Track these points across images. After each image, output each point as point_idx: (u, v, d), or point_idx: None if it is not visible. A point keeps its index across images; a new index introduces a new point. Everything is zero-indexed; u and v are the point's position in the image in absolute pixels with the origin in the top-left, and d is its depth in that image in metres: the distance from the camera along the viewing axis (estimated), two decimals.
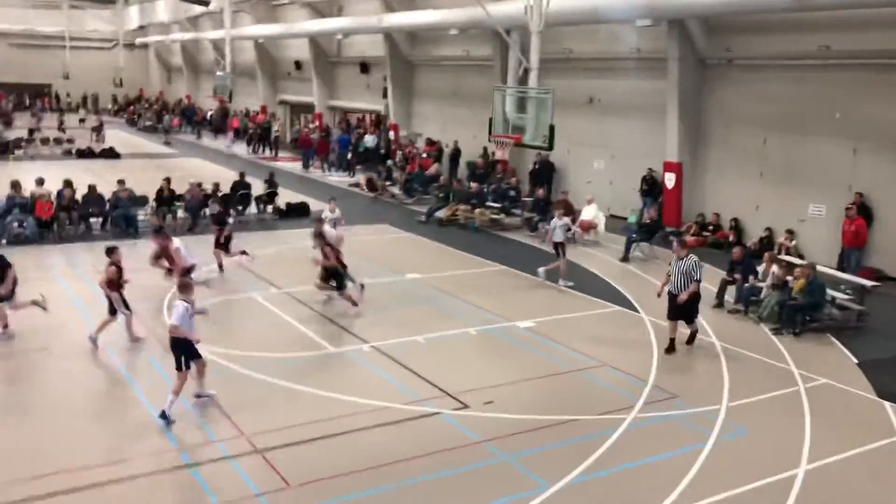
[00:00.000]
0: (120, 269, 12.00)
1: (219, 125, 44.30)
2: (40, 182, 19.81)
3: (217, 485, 7.99)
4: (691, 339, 12.61)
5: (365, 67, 35.87)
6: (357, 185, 28.68)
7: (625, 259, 18.52)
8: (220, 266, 16.45)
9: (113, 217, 19.67)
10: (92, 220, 19.68)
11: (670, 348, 12.30)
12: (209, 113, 47.89)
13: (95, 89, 58.78)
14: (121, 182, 20.69)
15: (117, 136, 40.24)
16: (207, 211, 19.26)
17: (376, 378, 11.04)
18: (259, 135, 38.31)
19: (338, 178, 30.81)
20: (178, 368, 9.59)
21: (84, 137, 37.88)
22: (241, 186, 22.61)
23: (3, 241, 17.87)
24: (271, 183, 23.49)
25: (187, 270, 14.17)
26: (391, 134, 33.06)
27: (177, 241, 14.90)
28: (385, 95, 33.92)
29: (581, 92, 23.90)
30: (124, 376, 10.93)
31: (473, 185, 23.55)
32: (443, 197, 23.53)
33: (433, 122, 31.92)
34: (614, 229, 20.76)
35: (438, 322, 13.65)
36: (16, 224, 18.24)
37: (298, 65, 41.28)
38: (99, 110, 54.77)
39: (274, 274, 16.28)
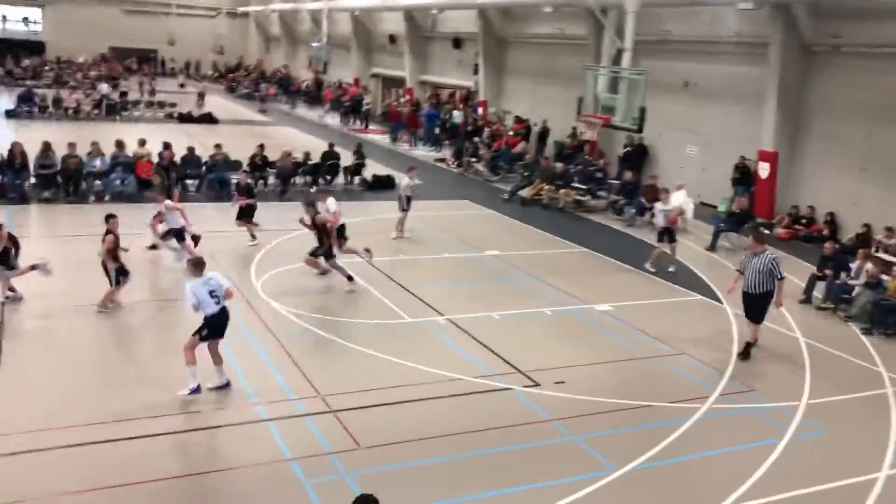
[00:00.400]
0: (117, 237, 11.82)
1: (314, 96, 45.11)
2: (142, 143, 20.72)
3: (291, 440, 8.31)
4: (746, 352, 11.42)
5: (457, 43, 35.87)
6: (443, 159, 28.86)
7: (711, 248, 18.08)
8: (253, 236, 16.15)
9: (209, 179, 20.40)
10: (188, 181, 20.46)
11: (744, 353, 11.45)
12: (304, 83, 48.84)
13: (198, 56, 60.73)
14: (217, 146, 21.44)
15: (216, 102, 41.50)
16: (235, 179, 18.52)
17: (450, 350, 11.19)
18: (351, 107, 38.89)
19: (424, 153, 31.02)
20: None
21: (185, 102, 39.23)
22: (330, 157, 23.07)
23: (107, 197, 18.80)
24: (359, 154, 23.86)
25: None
26: (479, 110, 33.03)
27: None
28: (476, 72, 33.88)
29: (676, 75, 23.30)
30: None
31: (560, 165, 23.36)
32: (528, 176, 23.43)
33: (523, 100, 31.72)
34: (704, 217, 20.27)
35: (514, 300, 13.70)
36: (118, 181, 19.16)
37: (392, 38, 41.58)
38: (201, 77, 56.54)
39: (357, 243, 16.58)
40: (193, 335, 9.26)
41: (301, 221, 14.30)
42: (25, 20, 58.52)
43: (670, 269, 15.88)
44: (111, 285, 11.84)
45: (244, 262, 14.63)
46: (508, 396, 9.78)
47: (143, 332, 11.41)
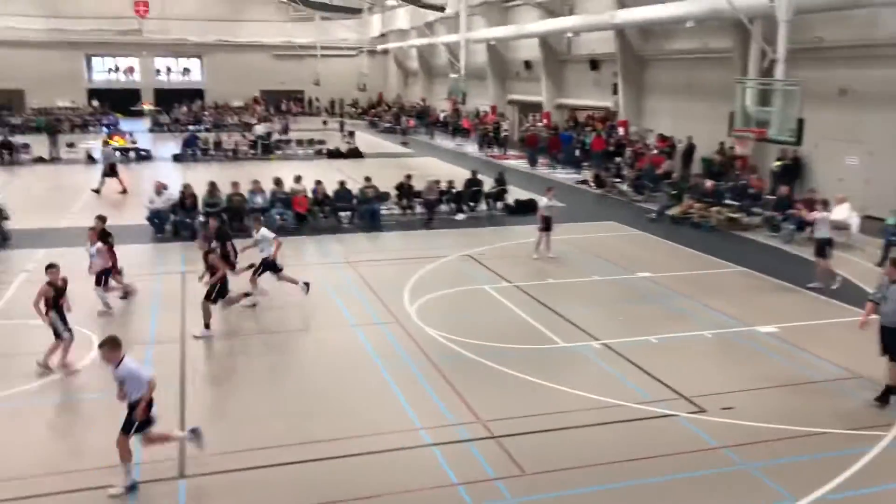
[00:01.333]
0: (58, 289, 10.96)
1: (455, 126, 46.06)
2: (297, 179, 21.83)
3: (456, 466, 8.43)
4: (886, 398, 9.90)
5: (595, 64, 35.62)
6: (584, 181, 28.63)
7: (881, 263, 16.87)
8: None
9: (360, 211, 21.21)
10: (341, 213, 21.34)
11: (884, 398, 9.92)
12: (442, 114, 49.96)
13: (341, 94, 63.48)
14: (367, 179, 22.27)
15: (360, 137, 43.13)
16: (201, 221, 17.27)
17: (608, 375, 11.02)
18: (489, 134, 39.39)
19: (565, 175, 30.89)
20: None
21: (332, 139, 41.03)
22: (473, 184, 23.43)
23: None
24: (501, 181, 24.09)
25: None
26: (620, 130, 32.57)
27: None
28: (615, 92, 33.48)
29: (831, 82, 22.06)
30: (370, 353, 11.76)
31: (709, 182, 22.60)
32: (676, 194, 22.81)
33: (664, 117, 31.00)
34: (871, 231, 18.98)
35: (671, 323, 13.32)
36: (278, 216, 20.27)
37: (528, 64, 41.85)
38: (343, 113, 58.98)
39: (503, 267, 16.72)
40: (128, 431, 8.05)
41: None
42: (185, 70, 63.27)
43: (834, 286, 14.97)
44: (55, 338, 10.94)
45: (397, 288, 15.04)
46: (673, 423, 9.50)
47: (286, 361, 11.93)
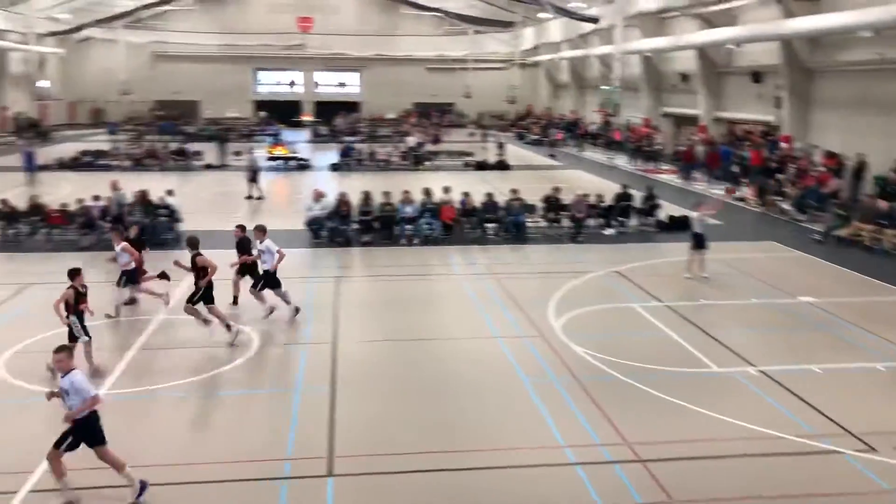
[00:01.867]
0: (79, 293, 11.04)
1: (605, 138, 45.32)
2: (446, 190, 22.17)
3: (600, 486, 8.21)
4: None
5: (757, 77, 33.94)
6: (742, 198, 27.31)
7: None
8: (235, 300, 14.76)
9: (506, 223, 21.24)
10: (487, 225, 21.46)
11: None
12: (592, 126, 49.28)
13: (490, 106, 64.06)
14: (514, 191, 22.28)
15: (508, 149, 43.25)
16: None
17: (766, 404, 10.39)
18: (641, 147, 38.46)
19: (722, 191, 29.58)
20: None
21: (481, 151, 41.41)
22: (623, 198, 22.90)
23: (416, 241, 20.35)
24: (651, 195, 23.40)
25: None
26: (783, 146, 30.83)
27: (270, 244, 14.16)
28: (778, 105, 31.75)
29: None
30: (513, 366, 11.70)
31: (883, 202, 20.95)
32: (843, 215, 21.30)
33: (833, 133, 29.03)
34: None
35: (837, 352, 12.41)
36: (426, 226, 20.65)
37: (685, 77, 40.52)
38: (486, 125, 59.38)
39: (654, 286, 16.20)
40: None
41: (176, 263, 13.44)
42: (342, 84, 65.95)
43: None
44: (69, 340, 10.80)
45: (542, 301, 14.91)
46: (837, 461, 8.82)
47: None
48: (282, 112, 59.55)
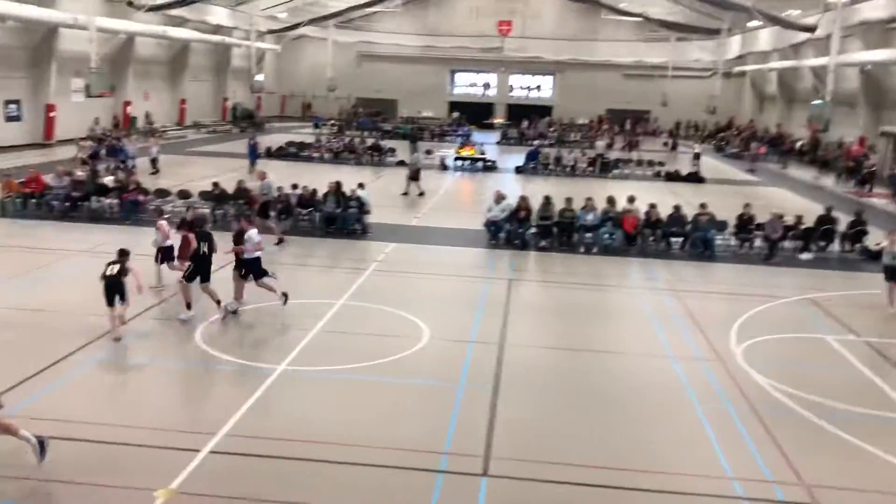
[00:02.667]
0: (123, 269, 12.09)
1: (812, 156, 42.22)
2: (631, 199, 21.54)
3: None
4: None
5: None
6: None
7: None
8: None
9: (692, 238, 20.34)
10: (672, 238, 20.66)
11: None
12: (799, 143, 46.08)
13: (687, 116, 61.69)
14: (703, 206, 21.27)
15: (704, 161, 41.45)
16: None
17: None
18: (852, 169, 35.45)
19: None
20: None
21: (672, 161, 39.96)
22: (825, 221, 21.20)
23: (595, 250, 19.98)
24: (860, 220, 21.45)
25: None
26: None
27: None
28: None
29: None
30: (685, 388, 11.16)
31: None
32: None
33: None
34: None
35: None
36: (606, 235, 20.21)
37: None
38: (680, 135, 57.04)
39: (851, 318, 14.84)
40: None
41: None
42: (537, 88, 66.08)
43: None
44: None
45: (724, 324, 14.11)
46: None
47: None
48: (474, 113, 60.70)
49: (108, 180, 22.73)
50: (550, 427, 9.82)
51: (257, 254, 13.83)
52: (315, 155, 38.11)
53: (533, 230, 20.63)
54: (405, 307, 14.31)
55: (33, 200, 21.39)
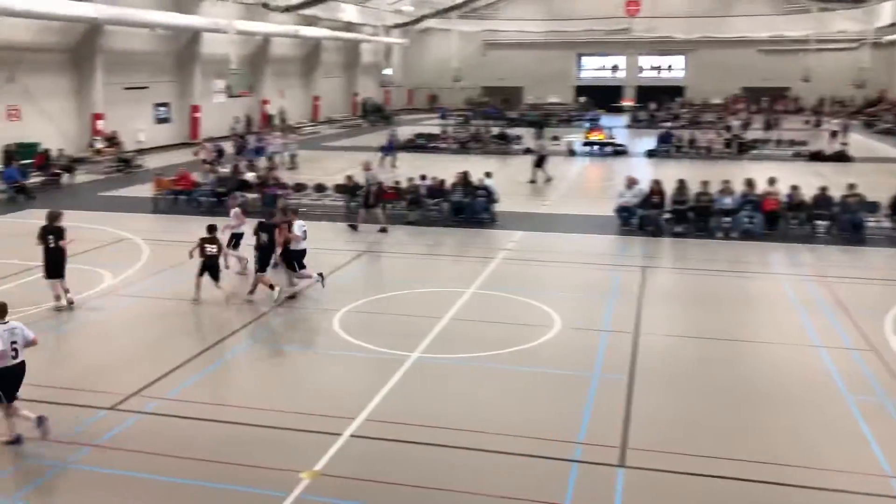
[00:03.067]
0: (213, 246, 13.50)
1: None
2: (771, 181, 20.53)
3: None
4: None
5: None
6: None
7: None
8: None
9: (840, 221, 19.15)
10: (817, 222, 19.52)
11: None
12: None
13: (832, 91, 58.01)
14: (851, 186, 19.99)
15: (851, 139, 38.90)
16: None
17: None
18: None
19: None
20: None
21: (816, 141, 37.71)
22: None
23: (734, 235, 19.17)
24: None
25: None
26: None
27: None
28: None
29: None
30: (834, 379, 10.53)
31: None
32: None
33: None
34: None
35: None
36: (746, 219, 19.34)
37: None
38: (825, 112, 53.64)
39: None
40: None
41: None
42: (667, 68, 64.00)
43: None
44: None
45: (878, 311, 13.20)
46: None
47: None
48: (602, 97, 59.61)
49: (250, 176, 23.89)
50: (689, 418, 9.53)
51: (303, 245, 14.36)
52: (442, 146, 38.54)
53: (667, 215, 20.03)
54: (535, 296, 14.26)
55: (182, 197, 22.79)
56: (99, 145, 32.17)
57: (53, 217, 13.62)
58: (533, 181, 27.72)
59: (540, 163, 28.03)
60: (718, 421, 9.44)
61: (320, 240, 19.01)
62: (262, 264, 14.10)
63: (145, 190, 24.22)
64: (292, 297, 14.27)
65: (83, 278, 15.36)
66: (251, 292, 14.06)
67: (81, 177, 28.49)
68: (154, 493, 7.78)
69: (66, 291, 13.50)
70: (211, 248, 13.52)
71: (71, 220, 18.14)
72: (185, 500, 7.68)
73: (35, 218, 20.48)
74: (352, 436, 8.93)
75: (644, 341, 12.09)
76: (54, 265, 13.27)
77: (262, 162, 29.56)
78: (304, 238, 14.48)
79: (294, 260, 14.32)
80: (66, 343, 12.21)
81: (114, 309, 13.87)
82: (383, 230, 19.68)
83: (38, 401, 9.77)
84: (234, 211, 16.21)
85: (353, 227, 20.00)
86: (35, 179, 26.18)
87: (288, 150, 32.29)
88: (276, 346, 12.34)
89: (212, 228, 13.90)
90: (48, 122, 31.36)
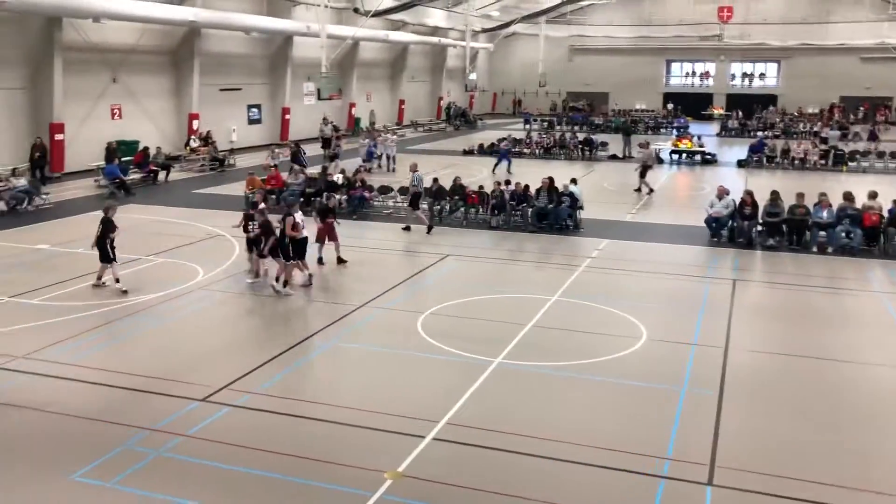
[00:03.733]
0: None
1: None
2: (872, 195, 19.63)
3: None
4: None
5: None
6: None
7: None
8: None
9: None
10: None
11: None
12: None
13: None
14: None
15: None
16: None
17: None
18: None
19: None
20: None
21: None
22: None
23: (830, 249, 18.42)
24: None
25: None
26: None
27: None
28: None
29: None
30: None
31: None
32: None
33: None
34: None
35: None
36: (844, 234, 18.56)
37: None
38: None
39: None
40: None
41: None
42: (760, 76, 62.03)
43: None
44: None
45: None
46: None
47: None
48: (691, 104, 58.31)
49: (338, 177, 24.30)
50: (781, 438, 9.18)
51: (304, 234, 15.11)
52: (526, 151, 38.35)
53: (759, 227, 19.40)
54: (620, 306, 14.03)
55: (273, 196, 23.36)
56: (194, 144, 33.32)
57: (106, 210, 15.19)
58: (639, 190, 27.12)
59: (644, 172, 27.33)
60: (812, 442, 9.08)
61: (403, 242, 19.29)
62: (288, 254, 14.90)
63: (237, 188, 24.94)
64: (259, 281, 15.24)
65: (178, 272, 15.95)
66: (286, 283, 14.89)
67: (176, 174, 29.58)
68: (241, 485, 7.98)
69: (114, 278, 14.92)
70: (254, 229, 15.02)
71: (167, 216, 18.94)
72: (272, 493, 7.85)
73: (134, 213, 21.41)
74: (434, 439, 8.96)
75: (734, 356, 11.74)
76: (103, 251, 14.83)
77: (370, 163, 30.28)
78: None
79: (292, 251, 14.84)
80: (162, 335, 12.67)
81: (205, 303, 14.33)
82: (430, 230, 20.23)
83: (135, 389, 10.21)
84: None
85: (407, 228, 20.48)
86: (134, 176, 27.31)
87: (387, 151, 32.73)
88: (360, 345, 12.50)
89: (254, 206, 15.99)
90: (148, 121, 32.69)
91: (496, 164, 31.31)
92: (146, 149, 29.30)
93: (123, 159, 27.68)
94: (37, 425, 9.23)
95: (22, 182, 23.30)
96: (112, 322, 13.01)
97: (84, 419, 9.35)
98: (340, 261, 16.82)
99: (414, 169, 21.64)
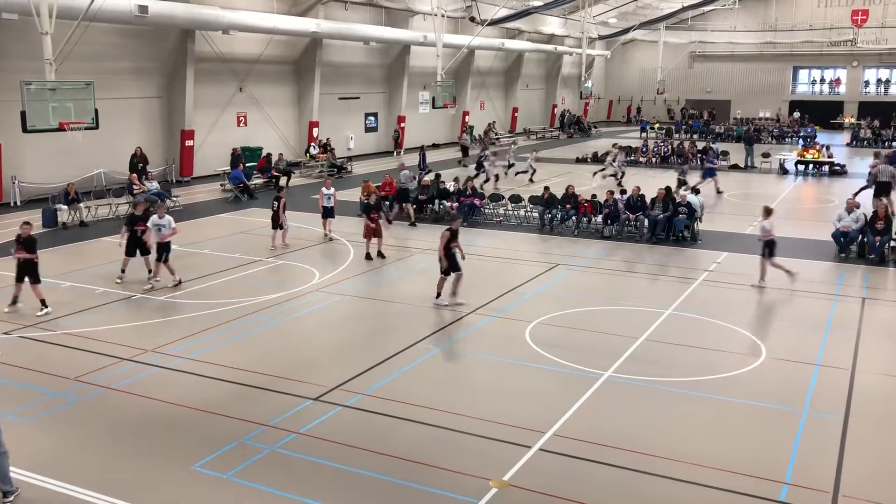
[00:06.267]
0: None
1: None
2: None
3: None
4: None
5: None
6: None
7: None
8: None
9: None
10: None
11: None
12: None
13: None
14: None
15: None
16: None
17: None
18: None
19: None
20: None
21: None
22: None
23: None
24: None
25: None
26: None
27: None
28: None
29: None
30: None
31: None
32: None
33: None
34: None
35: None
36: None
37: None
38: None
39: None
40: None
41: None
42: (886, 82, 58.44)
43: None
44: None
45: None
46: None
47: None
48: (819, 113, 55.50)
49: (450, 185, 24.53)
50: None
51: (168, 239, 15.73)
52: (642, 159, 37.54)
53: (893, 243, 18.23)
54: (739, 322, 13.50)
55: (387, 202, 23.81)
56: (313, 151, 34.44)
57: (135, 206, 17.04)
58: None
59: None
60: None
61: (513, 250, 19.24)
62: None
63: (354, 194, 25.57)
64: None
65: (295, 275, 16.51)
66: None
67: (296, 180, 30.62)
68: (349, 483, 8.15)
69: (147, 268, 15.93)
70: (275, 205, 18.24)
71: (287, 221, 19.59)
72: (379, 494, 7.98)
73: (256, 216, 22.33)
74: (541, 449, 8.88)
75: (861, 379, 11.06)
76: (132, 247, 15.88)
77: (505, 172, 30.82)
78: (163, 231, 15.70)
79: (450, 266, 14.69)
80: (278, 336, 13.14)
81: (321, 305, 14.76)
82: (412, 224, 22.00)
83: (251, 385, 10.63)
84: (167, 219, 16.01)
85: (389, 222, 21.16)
86: (256, 181, 28.48)
87: (509, 159, 33.02)
88: (468, 351, 12.55)
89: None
90: (270, 128, 34.07)
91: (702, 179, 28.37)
92: (268, 155, 30.50)
93: (247, 165, 28.91)
94: (161, 415, 9.76)
95: (154, 185, 24.75)
96: (232, 321, 13.59)
97: (204, 412, 9.81)
98: (380, 255, 18.06)
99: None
